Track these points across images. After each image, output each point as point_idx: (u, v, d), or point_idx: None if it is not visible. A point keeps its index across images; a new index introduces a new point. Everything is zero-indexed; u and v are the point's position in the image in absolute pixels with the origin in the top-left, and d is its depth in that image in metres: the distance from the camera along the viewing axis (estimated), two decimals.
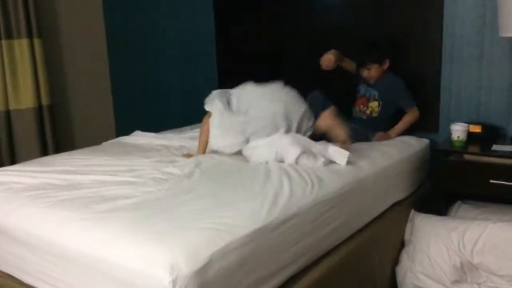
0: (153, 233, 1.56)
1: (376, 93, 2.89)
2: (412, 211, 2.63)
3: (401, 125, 2.87)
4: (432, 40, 2.86)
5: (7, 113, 3.51)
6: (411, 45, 2.94)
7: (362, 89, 2.96)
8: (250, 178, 2.10)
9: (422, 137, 2.90)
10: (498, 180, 2.37)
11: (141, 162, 2.40)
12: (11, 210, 1.90)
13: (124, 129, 4.29)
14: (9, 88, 3.49)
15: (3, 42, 3.42)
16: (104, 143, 2.89)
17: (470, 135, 2.65)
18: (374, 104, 2.89)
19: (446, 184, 2.56)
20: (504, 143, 2.60)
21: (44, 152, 3.63)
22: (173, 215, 1.71)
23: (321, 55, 2.86)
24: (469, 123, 2.69)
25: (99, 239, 1.60)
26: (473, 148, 2.59)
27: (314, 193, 1.99)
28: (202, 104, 2.58)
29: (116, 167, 2.32)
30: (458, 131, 2.60)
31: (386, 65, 2.85)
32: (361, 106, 2.94)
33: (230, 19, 3.61)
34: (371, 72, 2.84)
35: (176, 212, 1.74)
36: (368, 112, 2.92)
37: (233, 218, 1.68)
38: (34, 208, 1.86)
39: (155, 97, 4.20)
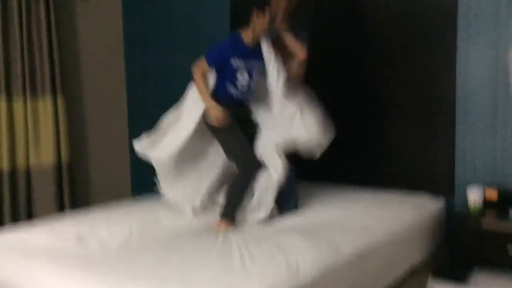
0: None
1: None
2: (429, 279, 2.57)
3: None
4: (446, 102, 2.89)
5: (27, 168, 3.58)
6: (424, 106, 2.97)
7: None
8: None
9: (437, 197, 2.87)
10: None
11: None
12: (24, 271, 1.91)
13: (140, 186, 4.36)
14: (31, 144, 3.58)
15: (28, 100, 3.54)
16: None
17: (486, 199, 2.63)
18: None
19: (464, 251, 2.51)
20: None
21: (61, 207, 3.67)
22: None
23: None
24: (485, 185, 2.68)
25: None
26: (490, 214, 2.56)
27: (325, 258, 1.97)
28: None
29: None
30: (475, 195, 2.58)
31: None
32: None
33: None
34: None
35: None
36: None
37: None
38: (46, 269, 1.88)
39: None
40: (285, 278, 1.79)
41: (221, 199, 2.72)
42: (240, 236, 2.26)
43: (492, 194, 2.65)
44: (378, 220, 2.46)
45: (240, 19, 3.64)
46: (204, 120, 2.65)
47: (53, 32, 3.64)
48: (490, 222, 2.50)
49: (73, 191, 3.78)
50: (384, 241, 2.33)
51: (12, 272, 1.95)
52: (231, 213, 2.52)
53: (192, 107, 2.66)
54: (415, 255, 2.59)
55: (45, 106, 3.62)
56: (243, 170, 2.61)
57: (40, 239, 2.20)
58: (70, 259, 1.95)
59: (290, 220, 2.56)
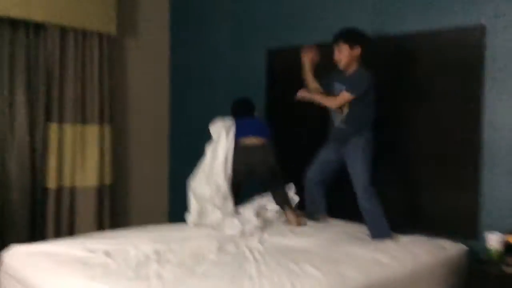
0: None
1: (346, 86, 2.93)
2: None
3: (319, 95, 3.03)
4: (472, 148, 2.90)
5: (72, 189, 3.87)
6: (452, 150, 2.99)
7: (336, 86, 3.00)
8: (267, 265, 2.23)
9: (459, 242, 2.87)
10: None
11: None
12: (57, 280, 2.10)
13: (177, 213, 4.55)
14: (77, 167, 3.88)
15: (78, 125, 3.87)
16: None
17: (508, 246, 2.61)
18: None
19: None
20: None
21: (101, 228, 3.91)
22: None
23: None
24: (508, 233, 2.67)
25: None
26: (510, 259, 2.54)
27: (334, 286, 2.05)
28: None
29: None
30: (493, 240, 2.58)
31: (356, 51, 2.90)
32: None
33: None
34: (341, 54, 2.89)
35: None
36: (345, 110, 2.98)
37: None
38: (76, 279, 2.06)
39: None
40: None
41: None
42: (255, 256, 2.41)
43: None
44: (393, 258, 2.49)
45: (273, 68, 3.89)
46: None
47: (104, 65, 3.98)
48: (509, 268, 2.48)
49: (113, 212, 4.03)
50: (397, 277, 2.36)
51: (38, 276, 2.15)
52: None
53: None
54: None
55: (92, 132, 3.92)
56: None
57: (72, 250, 2.41)
58: (92, 268, 2.14)
59: (306, 244, 2.68)
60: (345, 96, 2.92)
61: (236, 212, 3.14)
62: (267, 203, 3.34)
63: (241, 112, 3.44)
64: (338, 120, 3.05)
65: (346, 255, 2.47)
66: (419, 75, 3.12)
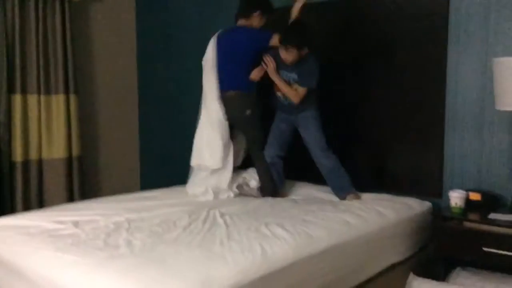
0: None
1: (295, 76, 3.04)
2: (411, 274, 2.65)
3: (283, 84, 3.04)
4: (435, 108, 2.98)
5: (40, 161, 3.81)
6: (415, 111, 3.06)
7: (282, 74, 3.09)
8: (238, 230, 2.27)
9: (424, 201, 2.96)
10: (492, 248, 2.40)
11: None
12: (27, 253, 2.09)
13: (149, 181, 4.54)
14: (44, 139, 3.80)
15: (42, 96, 3.77)
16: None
17: (470, 202, 2.71)
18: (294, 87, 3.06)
19: (444, 250, 2.60)
20: (503, 212, 2.63)
21: (71, 199, 3.88)
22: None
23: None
24: (471, 190, 2.76)
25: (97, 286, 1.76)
26: (471, 216, 2.63)
27: (299, 248, 2.09)
28: None
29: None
30: (456, 197, 2.67)
31: (304, 52, 3.00)
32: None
33: None
34: (289, 55, 2.96)
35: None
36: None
37: (220, 270, 1.82)
38: (46, 251, 2.05)
39: (181, 152, 4.41)
40: (259, 264, 1.92)
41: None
42: (226, 221, 2.45)
43: (476, 197, 2.73)
44: (359, 217, 2.56)
45: None
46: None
47: (67, 32, 3.86)
48: (469, 223, 2.58)
49: (83, 183, 3.99)
50: (363, 235, 2.43)
51: (8, 250, 2.14)
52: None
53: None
54: (397, 253, 2.67)
55: (58, 103, 3.83)
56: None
57: (40, 222, 2.39)
58: (61, 239, 2.13)
59: (275, 208, 2.73)
60: (304, 91, 3.02)
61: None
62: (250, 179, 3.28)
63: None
64: (283, 97, 3.14)
65: (313, 216, 2.53)
66: (384, 39, 3.15)
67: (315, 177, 3.21)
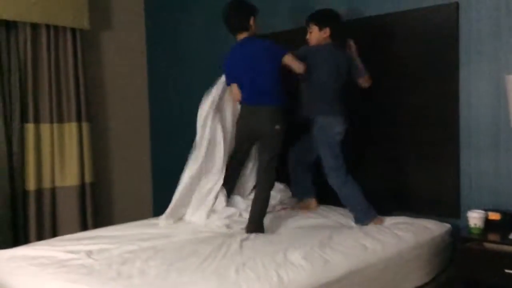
0: None
1: None
2: None
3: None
4: (449, 127, 2.93)
5: (53, 190, 3.81)
6: (430, 130, 3.02)
7: None
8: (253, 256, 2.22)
9: (443, 222, 2.90)
10: None
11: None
12: (39, 284, 2.07)
13: (162, 208, 4.52)
14: (56, 167, 3.82)
15: (55, 125, 3.80)
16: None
17: (489, 222, 2.65)
18: None
19: (464, 272, 2.53)
20: None
21: (84, 227, 3.87)
22: None
23: None
24: (489, 210, 2.70)
25: None
26: (491, 236, 2.57)
27: (316, 275, 2.05)
28: None
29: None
30: (475, 218, 2.61)
31: (326, 33, 2.98)
32: None
33: None
34: (311, 34, 2.98)
35: None
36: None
37: None
38: (58, 282, 2.03)
39: None
40: None
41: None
42: (241, 246, 2.41)
43: (495, 217, 2.66)
44: (377, 241, 2.51)
45: None
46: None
47: (79, 61, 3.90)
48: (490, 244, 2.52)
49: (96, 211, 3.99)
50: (382, 260, 2.38)
51: (20, 281, 2.12)
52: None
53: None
54: (417, 278, 2.60)
55: (70, 131, 3.86)
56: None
57: (53, 253, 2.37)
58: (74, 269, 2.11)
59: (292, 233, 2.68)
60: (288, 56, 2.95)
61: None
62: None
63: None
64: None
65: (330, 241, 2.48)
66: (396, 55, 3.13)
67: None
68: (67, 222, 3.81)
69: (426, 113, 3.02)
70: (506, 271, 2.36)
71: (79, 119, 3.90)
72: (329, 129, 2.97)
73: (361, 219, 2.89)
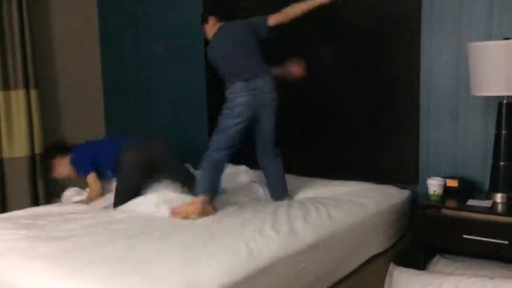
0: None
1: None
2: (391, 264, 2.66)
3: None
4: (410, 96, 2.97)
5: (0, 161, 3.60)
6: (391, 99, 3.05)
7: None
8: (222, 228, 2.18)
9: (403, 188, 2.96)
10: (471, 235, 2.42)
11: None
12: None
13: None
14: (4, 137, 3.59)
15: (0, 93, 3.56)
16: None
17: (447, 189, 2.73)
18: None
19: (423, 238, 2.61)
20: (480, 198, 2.66)
21: (35, 199, 3.69)
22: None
23: None
24: (447, 177, 2.78)
25: None
26: (449, 203, 2.65)
27: (285, 245, 2.04)
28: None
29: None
30: (434, 185, 2.68)
31: (211, 23, 2.95)
32: None
33: None
34: (206, 31, 2.98)
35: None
36: None
37: (205, 273, 1.73)
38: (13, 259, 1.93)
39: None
40: (244, 262, 1.85)
41: None
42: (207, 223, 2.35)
43: (453, 184, 2.74)
44: (340, 209, 2.53)
45: None
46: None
47: (26, 24, 3.64)
48: (448, 210, 2.59)
49: (47, 182, 3.80)
50: (346, 229, 2.40)
51: None
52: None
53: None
54: (379, 244, 2.66)
55: (18, 99, 3.63)
56: None
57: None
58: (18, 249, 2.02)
59: (258, 207, 2.63)
60: None
61: None
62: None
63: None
64: None
65: (297, 210, 2.48)
66: (357, 25, 3.11)
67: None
68: (17, 195, 3.61)
69: (388, 83, 3.05)
70: (464, 236, 2.44)
71: (26, 86, 3.66)
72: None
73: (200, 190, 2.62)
